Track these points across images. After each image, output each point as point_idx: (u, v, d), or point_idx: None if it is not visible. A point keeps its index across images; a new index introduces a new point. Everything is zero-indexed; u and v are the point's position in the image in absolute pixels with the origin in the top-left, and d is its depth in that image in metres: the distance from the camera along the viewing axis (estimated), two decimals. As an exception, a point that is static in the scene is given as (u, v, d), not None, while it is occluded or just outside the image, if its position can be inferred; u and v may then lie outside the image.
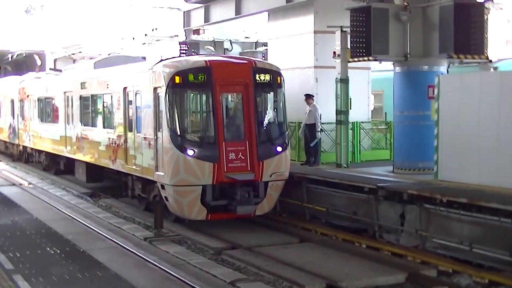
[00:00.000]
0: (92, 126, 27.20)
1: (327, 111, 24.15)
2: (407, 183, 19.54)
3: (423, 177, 20.59)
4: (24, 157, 39.62)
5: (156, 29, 41.78)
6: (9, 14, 54.92)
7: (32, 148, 37.36)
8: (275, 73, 21.01)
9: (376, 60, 22.29)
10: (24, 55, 58.91)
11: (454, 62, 22.15)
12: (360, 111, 25.91)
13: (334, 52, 23.74)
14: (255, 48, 34.85)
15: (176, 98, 20.18)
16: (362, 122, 26.03)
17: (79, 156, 28.64)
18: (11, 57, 60.11)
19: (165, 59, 21.89)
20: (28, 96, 37.29)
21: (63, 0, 54.61)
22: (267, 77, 20.71)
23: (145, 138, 21.25)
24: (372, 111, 28.52)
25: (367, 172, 22.06)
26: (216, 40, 34.53)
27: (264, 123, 21.05)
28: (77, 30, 52.50)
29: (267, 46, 30.31)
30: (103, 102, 26.18)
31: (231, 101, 21.34)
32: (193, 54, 29.69)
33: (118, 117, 23.83)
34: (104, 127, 25.66)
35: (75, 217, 20.82)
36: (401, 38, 21.45)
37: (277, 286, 14.93)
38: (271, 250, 18.09)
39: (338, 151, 23.81)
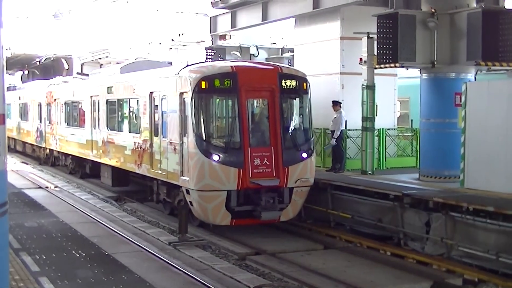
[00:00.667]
0: (118, 131, 27.28)
1: (353, 118, 24.11)
2: (433, 190, 19.44)
3: (449, 185, 20.50)
4: (51, 160, 39.81)
5: (182, 34, 41.91)
6: (37, 19, 55.24)
7: (58, 152, 37.53)
8: (301, 79, 20.96)
9: (402, 66, 22.24)
10: (52, 59, 59.27)
11: (482, 69, 22.04)
12: (386, 118, 25.85)
13: (361, 59, 23.69)
14: (281, 54, 34.83)
15: (202, 103, 20.18)
16: (388, 129, 25.97)
17: (105, 160, 28.73)
18: (39, 61, 60.57)
19: (191, 64, 21.91)
20: (55, 100, 37.46)
21: (90, 5, 54.85)
22: (293, 83, 20.67)
23: (170, 143, 21.27)
24: (398, 118, 28.47)
25: (393, 179, 21.97)
26: (242, 45, 34.55)
27: (290, 129, 21.02)
28: (104, 35, 52.74)
29: (293, 52, 30.31)
30: (129, 106, 26.25)
31: (256, 106, 21.33)
32: (219, 59, 29.72)
33: (144, 122, 23.88)
34: (130, 132, 25.72)
35: (101, 221, 20.87)
36: (428, 45, 21.39)
37: (301, 293, 14.93)
38: (295, 256, 18.06)
39: (363, 158, 23.74)
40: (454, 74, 21.69)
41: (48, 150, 40.06)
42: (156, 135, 22.66)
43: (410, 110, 29.66)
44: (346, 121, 24.10)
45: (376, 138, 24.45)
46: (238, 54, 33.65)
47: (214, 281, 14.28)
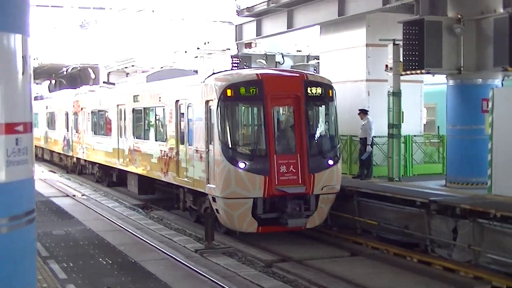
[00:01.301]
0: (144, 139, 27.37)
1: (379, 125, 24.06)
2: (460, 197, 19.38)
3: (476, 191, 20.43)
4: (78, 169, 40.03)
5: (208, 42, 41.99)
6: (64, 29, 55.60)
7: (85, 160, 37.72)
8: (327, 86, 20.97)
9: (429, 73, 22.25)
10: (78, 68, 59.65)
11: (509, 75, 21.95)
12: (412, 125, 25.81)
13: (386, 65, 23.70)
14: (307, 62, 34.87)
15: (228, 111, 20.24)
16: (415, 136, 25.93)
17: (131, 168, 28.84)
18: (66, 71, 60.94)
19: (217, 72, 21.98)
20: (82, 109, 37.67)
21: (116, 15, 55.14)
22: (319, 90, 20.68)
23: (196, 150, 21.32)
24: (424, 124, 28.40)
25: (419, 186, 21.90)
26: (267, 53, 34.62)
27: (316, 136, 21.04)
28: (130, 44, 52.97)
29: (318, 59, 30.33)
30: (155, 114, 26.35)
31: (282, 114, 21.36)
32: (245, 67, 29.79)
33: (170, 130, 23.95)
34: (156, 140, 25.81)
35: (127, 229, 20.96)
36: (455, 51, 21.35)
37: (327, 300, 14.91)
38: (322, 263, 18.05)
39: (390, 165, 23.70)
40: (480, 80, 21.62)
41: (75, 159, 40.29)
42: (182, 143, 22.73)
43: (436, 117, 29.57)
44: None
45: (402, 145, 24.41)
46: (264, 62, 33.70)
47: (240, 288, 14.31)
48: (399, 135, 23.70)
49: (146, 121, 27.58)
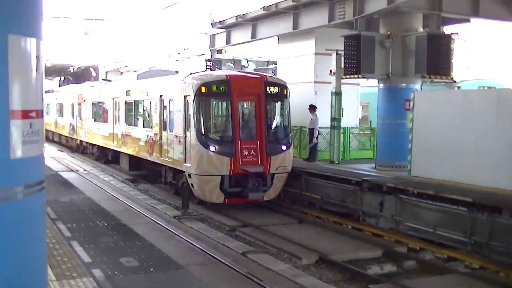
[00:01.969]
0: (134, 126, 27.21)
1: (323, 118, 24.12)
2: (386, 177, 19.53)
3: (399, 173, 20.62)
4: (81, 149, 39.69)
5: (187, 48, 41.81)
6: (72, 36, 55.33)
7: (87, 142, 37.43)
8: (282, 86, 20.99)
9: (364, 77, 22.34)
10: (82, 68, 59.41)
11: (426, 81, 22.10)
12: (350, 119, 25.89)
13: (330, 70, 23.73)
14: (267, 66, 34.85)
15: (202, 105, 20.19)
16: (352, 128, 26.05)
17: (123, 149, 28.69)
18: (72, 70, 60.61)
19: (194, 73, 21.88)
20: (84, 100, 37.39)
21: (113, 25, 54.89)
22: (276, 89, 20.69)
23: (176, 136, 21.28)
24: (360, 119, 28.51)
25: (355, 168, 22.01)
26: (235, 58, 34.56)
27: (272, 126, 21.05)
28: (124, 49, 52.78)
29: (276, 64, 30.32)
30: (143, 106, 26.20)
31: (246, 108, 21.33)
32: (216, 69, 29.69)
33: (155, 119, 23.85)
34: (143, 127, 25.67)
35: (119, 198, 20.85)
36: (385, 61, 21.46)
37: (279, 257, 14.95)
38: (275, 228, 18.11)
39: (331, 151, 23.80)
40: (404, 84, 21.74)
41: (78, 141, 39.97)
42: (165, 129, 22.66)
43: (369, 113, 29.72)
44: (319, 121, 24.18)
45: (342, 135, 24.49)
46: (232, 65, 33.65)
47: (210, 247, 14.30)
48: (340, 127, 23.76)
49: (136, 112, 27.40)
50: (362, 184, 19.13)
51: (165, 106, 22.75)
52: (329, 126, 23.92)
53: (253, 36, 29.60)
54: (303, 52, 26.41)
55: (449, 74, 20.85)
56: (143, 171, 27.96)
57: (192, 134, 19.90)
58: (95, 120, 34.72)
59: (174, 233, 15.50)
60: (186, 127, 20.38)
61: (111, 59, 55.35)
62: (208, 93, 20.01)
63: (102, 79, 48.81)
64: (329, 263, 14.77)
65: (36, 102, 5.78)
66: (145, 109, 26.04)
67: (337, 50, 23.10)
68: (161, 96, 23.20)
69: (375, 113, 23.64)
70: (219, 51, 33.97)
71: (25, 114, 5.58)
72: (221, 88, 19.99)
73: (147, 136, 24.70)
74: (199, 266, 12.44)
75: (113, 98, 30.58)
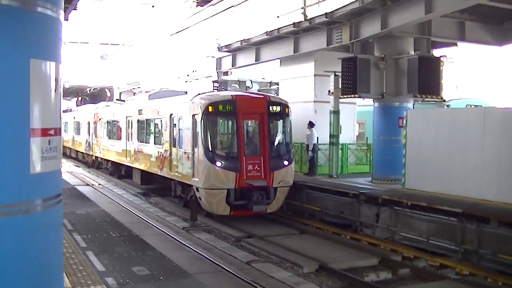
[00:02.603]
0: (146, 143, 27.22)
1: (322, 135, 24.17)
2: (381, 190, 19.52)
3: (394, 186, 20.61)
4: (96, 164, 39.71)
5: (195, 70, 41.93)
6: (89, 59, 55.62)
7: (101, 158, 37.44)
8: (284, 106, 21.01)
9: (360, 97, 22.34)
10: (98, 89, 59.61)
11: (418, 100, 22.13)
12: (348, 135, 25.89)
13: (329, 91, 23.77)
14: (270, 86, 34.80)
15: (209, 123, 20.21)
16: (349, 144, 26.06)
17: (136, 165, 28.68)
18: (89, 91, 60.78)
19: (202, 93, 21.94)
20: (100, 119, 37.45)
21: (127, 50, 55.12)
22: (278, 108, 20.72)
23: (185, 152, 21.28)
24: (357, 135, 28.52)
25: (352, 182, 21.99)
26: (240, 79, 34.54)
27: (275, 143, 21.02)
28: (137, 71, 52.99)
29: (278, 85, 30.38)
30: (155, 124, 26.22)
31: (250, 125, 21.32)
32: (222, 90, 29.77)
33: (165, 136, 23.88)
34: (154, 144, 25.68)
35: (132, 210, 20.81)
36: (379, 81, 21.53)
37: (282, 266, 14.90)
38: (278, 239, 18.05)
39: (330, 165, 23.79)
40: (398, 103, 21.78)
41: (94, 157, 39.98)
42: (174, 146, 22.66)
43: (365, 130, 29.73)
44: (317, 137, 24.16)
45: (340, 150, 24.50)
46: (237, 86, 33.67)
47: (216, 257, 14.26)
48: (338, 143, 23.79)
49: (148, 129, 27.43)
50: (359, 197, 19.12)
51: (175, 124, 22.76)
52: (328, 142, 23.93)
53: (257, 59, 29.71)
54: (303, 74, 26.48)
55: (439, 93, 20.91)
56: (154, 185, 27.94)
57: (200, 150, 19.90)
58: (109, 138, 34.76)
59: (183, 243, 15.45)
60: (194, 144, 20.38)
61: (124, 81, 55.54)
62: (215, 112, 20.03)
63: (116, 99, 48.92)
64: (329, 271, 14.72)
65: (54, 120, 5.83)
66: (156, 127, 26.06)
67: (335, 72, 23.16)
68: (171, 115, 23.22)
69: (371, 130, 23.66)
70: (225, 73, 34.07)
71: (44, 132, 5.63)
72: (227, 108, 20.02)
73: (158, 152, 24.71)
74: (207, 275, 12.39)
75: (127, 117, 30.62)
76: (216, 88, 30.66)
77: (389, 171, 21.66)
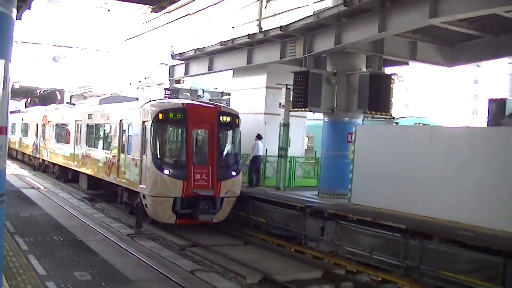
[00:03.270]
0: (94, 148, 26.87)
1: (272, 147, 24.21)
2: (327, 204, 19.53)
3: (340, 200, 20.63)
4: (42, 167, 39.05)
5: (148, 77, 41.73)
6: (41, 60, 54.90)
7: (48, 161, 36.86)
8: (235, 116, 20.97)
9: (310, 111, 22.43)
10: (48, 91, 58.74)
11: (368, 117, 22.35)
12: (296, 149, 25.95)
13: (280, 103, 23.82)
14: (221, 96, 34.91)
15: (159, 130, 20.02)
16: (298, 157, 26.10)
17: (83, 170, 28.28)
18: (39, 92, 59.92)
19: (153, 100, 21.79)
20: (49, 122, 36.87)
21: (80, 53, 54.57)
22: (228, 118, 20.67)
23: (133, 159, 21.05)
24: (305, 149, 28.64)
25: (299, 195, 21.97)
26: (192, 88, 34.56)
27: (224, 153, 20.99)
28: (89, 75, 52.47)
29: (230, 95, 30.37)
30: (104, 130, 25.92)
31: (199, 135, 21.20)
32: (174, 98, 29.62)
33: (114, 142, 23.60)
34: (103, 149, 25.37)
35: (77, 215, 20.47)
36: (330, 96, 21.62)
37: (225, 276, 14.79)
38: (223, 249, 17.91)
39: (278, 178, 23.79)
40: (348, 118, 21.90)
41: (41, 160, 39.34)
42: (123, 152, 22.39)
43: (314, 144, 29.90)
44: (266, 149, 24.19)
45: (288, 163, 24.53)
46: (188, 94, 33.61)
47: (160, 265, 14.10)
48: (286, 156, 23.79)
49: (97, 134, 27.08)
50: (305, 210, 19.14)
51: (124, 130, 22.51)
52: (277, 154, 23.95)
53: (210, 68, 29.66)
54: (255, 85, 26.51)
55: (388, 110, 21.13)
56: (101, 191, 27.58)
57: (148, 157, 19.71)
58: (57, 141, 34.23)
59: (126, 250, 15.24)
60: (143, 151, 20.17)
61: (76, 84, 54.91)
62: (165, 120, 19.87)
63: (67, 103, 48.25)
64: (272, 283, 14.66)
65: (1, 119, 5.71)
66: (105, 132, 25.76)
67: (287, 85, 23.23)
68: (121, 120, 22.95)
69: (320, 144, 23.75)
70: (178, 81, 33.92)
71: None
72: (177, 116, 19.88)
73: (106, 157, 24.39)
74: (149, 282, 12.25)
75: (76, 121, 30.18)
76: (167, 95, 30.55)
77: (336, 186, 21.72)
